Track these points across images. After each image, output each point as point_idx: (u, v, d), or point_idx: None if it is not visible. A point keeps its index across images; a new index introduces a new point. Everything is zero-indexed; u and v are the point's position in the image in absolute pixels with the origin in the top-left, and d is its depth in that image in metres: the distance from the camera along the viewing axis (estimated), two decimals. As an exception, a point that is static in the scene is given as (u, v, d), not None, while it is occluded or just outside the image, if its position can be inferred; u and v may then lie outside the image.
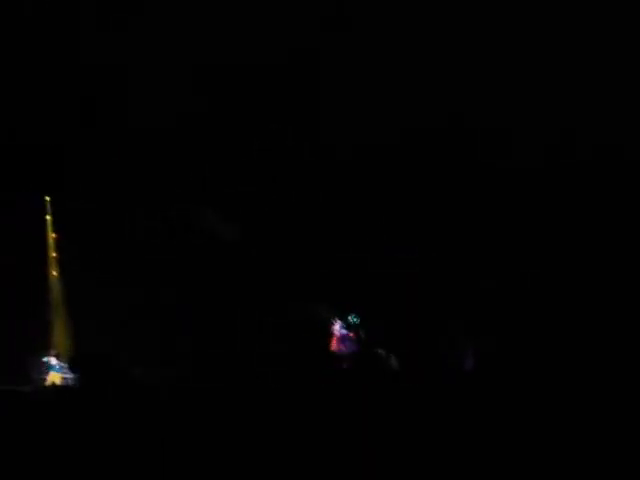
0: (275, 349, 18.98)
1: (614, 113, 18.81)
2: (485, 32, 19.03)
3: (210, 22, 19.39)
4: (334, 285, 19.84)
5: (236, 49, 19.55)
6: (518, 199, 19.70)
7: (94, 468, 9.32)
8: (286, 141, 20.27)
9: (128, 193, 20.44)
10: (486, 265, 19.53)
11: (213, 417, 9.91)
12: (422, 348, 17.32)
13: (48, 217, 20.61)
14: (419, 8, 19.03)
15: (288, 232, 20.42)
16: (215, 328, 20.21)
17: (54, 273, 20.40)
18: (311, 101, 20.00)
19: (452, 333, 17.30)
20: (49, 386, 18.46)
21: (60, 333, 20.18)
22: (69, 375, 18.36)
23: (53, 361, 19.36)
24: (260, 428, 9.60)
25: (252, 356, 18.88)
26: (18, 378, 17.49)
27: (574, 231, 19.16)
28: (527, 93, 19.29)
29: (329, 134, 20.17)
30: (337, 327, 19.20)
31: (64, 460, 9.28)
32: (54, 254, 20.52)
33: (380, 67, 19.57)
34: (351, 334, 19.03)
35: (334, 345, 19.01)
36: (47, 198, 20.47)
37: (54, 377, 19.12)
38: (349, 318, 19.10)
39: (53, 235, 20.47)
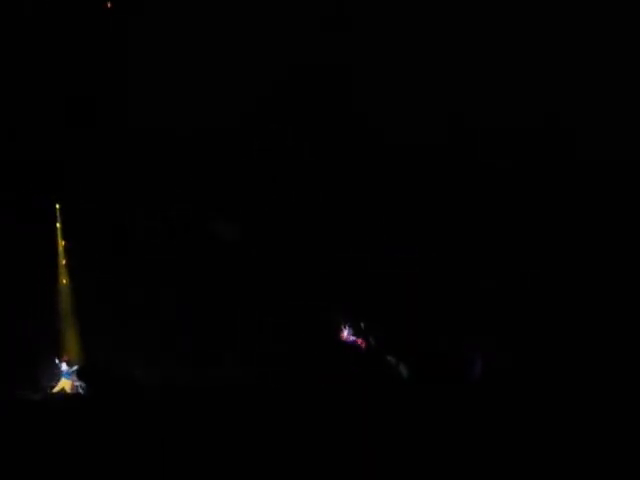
0: (275, 349, 19.02)
1: (614, 113, 18.88)
2: (485, 32, 19.10)
3: (210, 22, 19.44)
4: (334, 285, 19.86)
5: (236, 49, 19.58)
6: (518, 199, 19.74)
7: (101, 475, 9.36)
8: (286, 141, 20.28)
9: (128, 193, 20.44)
10: (486, 265, 19.55)
11: (213, 417, 9.93)
12: (423, 349, 17.36)
13: (58, 225, 20.53)
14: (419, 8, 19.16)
15: (288, 232, 20.42)
16: (215, 328, 20.21)
17: (64, 281, 20.37)
18: (311, 101, 20.04)
19: (470, 342, 17.27)
20: (58, 393, 18.46)
21: (70, 339, 20.15)
22: (79, 382, 18.40)
23: (64, 367, 19.37)
24: (260, 428, 9.62)
25: (252, 356, 18.94)
26: (28, 385, 17.50)
27: (574, 231, 19.19)
28: (527, 93, 19.35)
29: (329, 134, 20.21)
30: (346, 333, 19.23)
31: (73, 468, 9.32)
32: (64, 261, 20.48)
33: (380, 67, 19.65)
34: (360, 340, 19.05)
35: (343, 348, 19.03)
36: (57, 206, 20.39)
37: (64, 384, 19.12)
38: (360, 324, 19.12)
39: (62, 242, 20.42)
